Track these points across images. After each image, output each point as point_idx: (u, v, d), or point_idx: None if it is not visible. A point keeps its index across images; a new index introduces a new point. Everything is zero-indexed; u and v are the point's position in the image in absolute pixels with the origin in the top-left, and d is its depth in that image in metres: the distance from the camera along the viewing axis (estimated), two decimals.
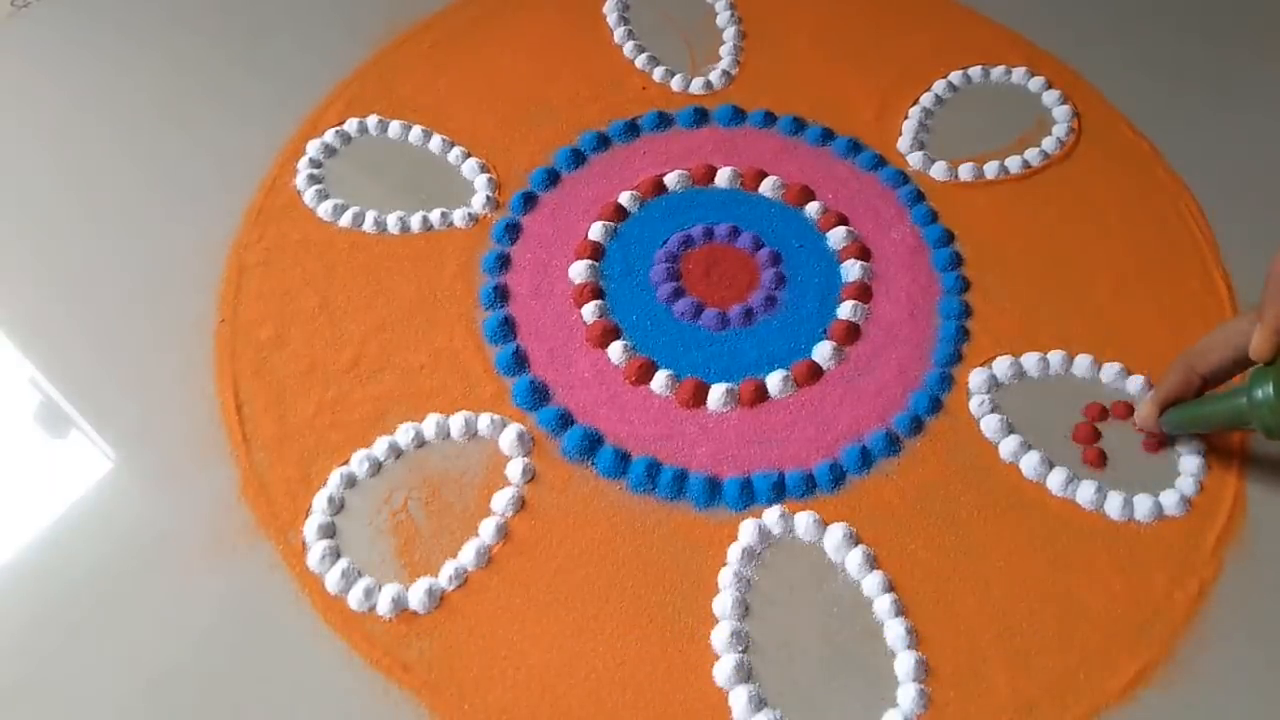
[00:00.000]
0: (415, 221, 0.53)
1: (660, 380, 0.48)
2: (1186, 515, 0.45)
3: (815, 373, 0.49)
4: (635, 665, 0.40)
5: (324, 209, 0.54)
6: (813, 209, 0.55)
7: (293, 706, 0.39)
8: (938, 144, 0.58)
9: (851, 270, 0.52)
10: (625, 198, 0.55)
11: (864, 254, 0.53)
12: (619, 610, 0.42)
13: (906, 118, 0.59)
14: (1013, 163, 0.57)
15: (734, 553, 0.43)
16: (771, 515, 0.44)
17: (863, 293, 0.52)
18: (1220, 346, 0.43)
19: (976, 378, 0.49)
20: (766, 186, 0.55)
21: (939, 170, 0.56)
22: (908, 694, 0.40)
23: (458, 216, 0.54)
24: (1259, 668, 0.41)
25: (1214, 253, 0.54)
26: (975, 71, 0.61)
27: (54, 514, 0.44)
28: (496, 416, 0.47)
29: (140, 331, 0.49)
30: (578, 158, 0.57)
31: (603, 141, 0.57)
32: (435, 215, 0.54)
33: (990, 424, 0.47)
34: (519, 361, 0.49)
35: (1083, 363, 0.49)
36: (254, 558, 0.43)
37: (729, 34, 0.63)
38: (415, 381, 0.48)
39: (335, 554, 0.43)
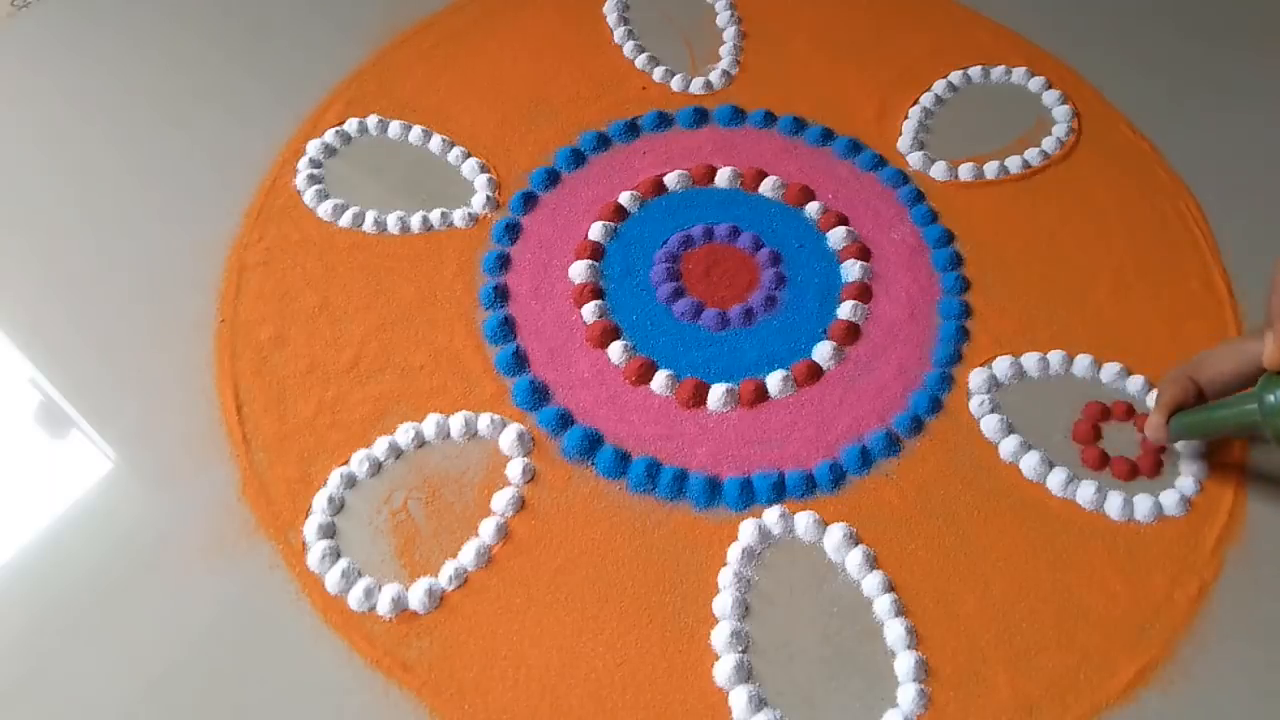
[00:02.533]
0: (415, 221, 0.53)
1: (660, 380, 0.48)
2: (1186, 515, 0.45)
3: (815, 373, 0.49)
4: (635, 665, 0.40)
5: (324, 209, 0.54)
6: (813, 209, 0.55)
7: (293, 706, 0.39)
8: (938, 144, 0.58)
9: (851, 270, 0.52)
10: (625, 198, 0.55)
11: (864, 254, 0.53)
12: (619, 610, 0.42)
13: (906, 118, 0.59)
14: (1013, 163, 0.57)
15: (734, 553, 0.43)
16: (771, 515, 0.44)
17: (863, 293, 0.52)
18: (1224, 359, 0.42)
19: (976, 378, 0.49)
20: (766, 186, 0.55)
21: (939, 170, 0.56)
22: (908, 694, 0.40)
23: (458, 216, 0.54)
24: (1259, 668, 0.41)
25: (1214, 253, 0.54)
26: (975, 71, 0.61)
27: (54, 514, 0.44)
28: (496, 416, 0.47)
29: (140, 331, 0.49)
30: (578, 158, 0.57)
31: (603, 141, 0.57)
32: (435, 215, 0.54)
33: (990, 424, 0.47)
34: (519, 361, 0.49)
35: (1083, 363, 0.49)
36: (254, 558, 0.43)
37: (729, 34, 0.63)
38: (415, 381, 0.48)
39: (335, 554, 0.43)
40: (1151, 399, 0.48)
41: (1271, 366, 0.39)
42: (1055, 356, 0.49)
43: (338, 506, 0.44)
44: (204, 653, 0.40)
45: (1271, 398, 0.39)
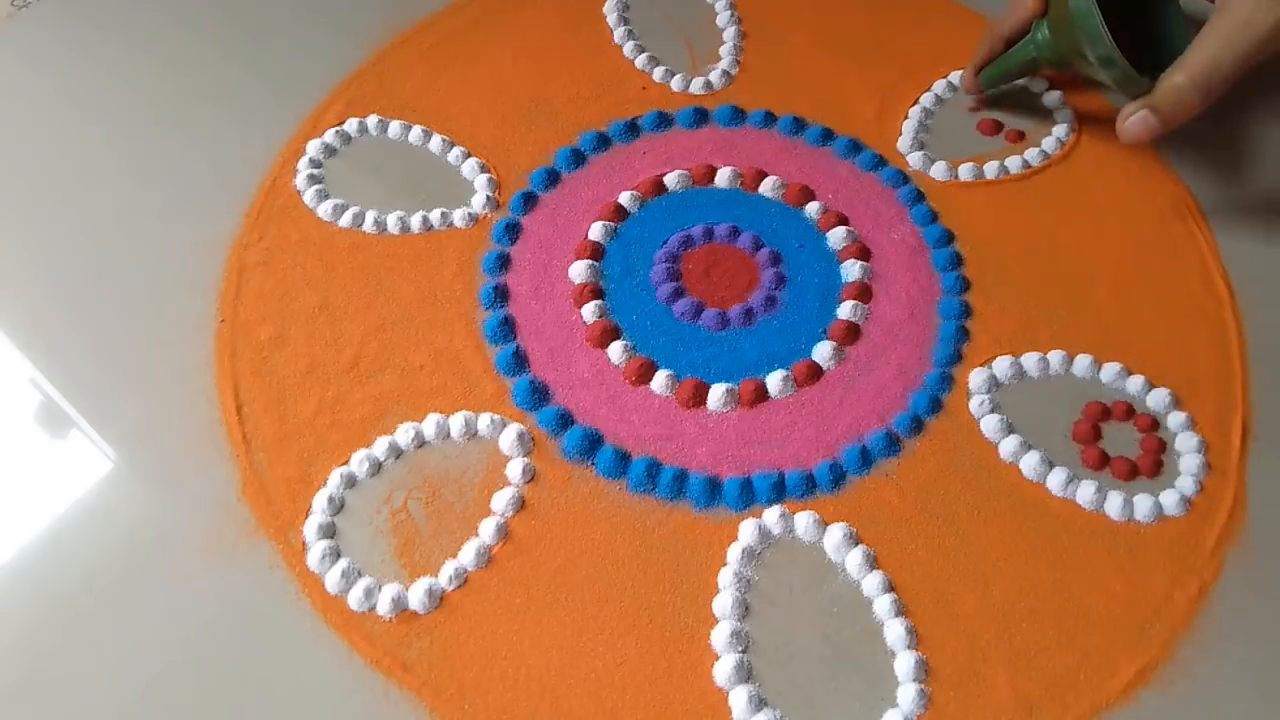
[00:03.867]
0: (415, 221, 0.53)
1: (660, 380, 0.48)
2: (1186, 515, 0.45)
3: (815, 373, 0.49)
4: (635, 665, 0.40)
5: (324, 209, 0.54)
6: (813, 209, 0.55)
7: (293, 706, 0.39)
8: (938, 144, 0.58)
9: (851, 270, 0.52)
10: (625, 198, 0.55)
11: (864, 254, 0.53)
12: (619, 610, 0.42)
13: (906, 118, 0.59)
14: (1013, 163, 0.57)
15: (734, 553, 0.43)
16: (771, 515, 0.44)
17: (863, 293, 0.52)
18: (1014, 12, 0.56)
19: (976, 378, 0.49)
20: (766, 186, 0.55)
21: (939, 170, 0.57)
22: (908, 694, 0.40)
23: (458, 216, 0.54)
24: (1259, 668, 0.41)
25: (1214, 253, 0.54)
26: None
27: (54, 514, 0.44)
28: (496, 416, 0.47)
29: (140, 332, 0.49)
30: (578, 158, 0.57)
31: (603, 141, 0.57)
32: (435, 215, 0.54)
33: (990, 424, 0.47)
34: (519, 361, 0.49)
35: (1083, 363, 0.49)
36: (254, 558, 0.43)
37: (729, 34, 0.63)
38: (415, 381, 0.48)
39: (335, 554, 0.43)
40: (1152, 400, 0.48)
41: (1034, 13, 0.54)
42: (1055, 356, 0.49)
43: (338, 506, 0.44)
44: (203, 652, 0.40)
45: (1040, 35, 0.53)
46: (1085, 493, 0.45)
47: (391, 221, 0.53)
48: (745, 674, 0.40)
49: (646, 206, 0.55)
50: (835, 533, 0.44)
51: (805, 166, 0.57)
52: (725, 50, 0.62)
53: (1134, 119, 0.50)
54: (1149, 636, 0.41)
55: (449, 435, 0.46)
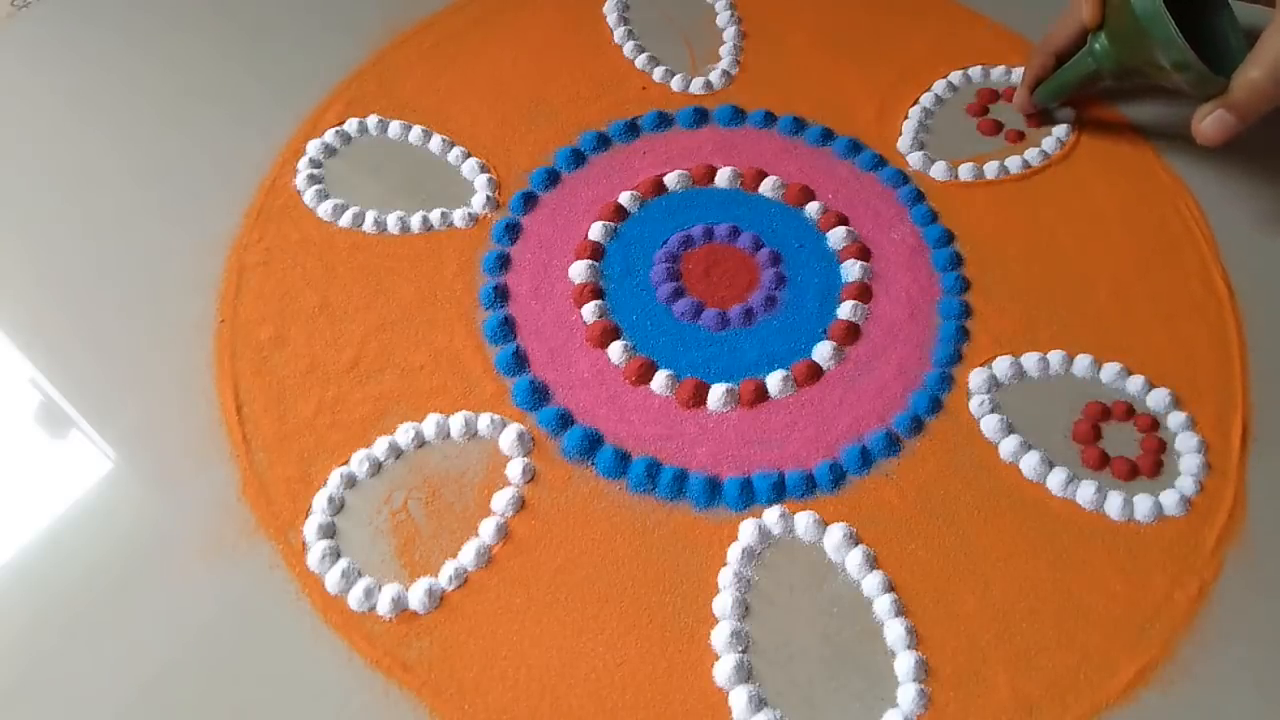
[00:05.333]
0: (415, 221, 0.53)
1: (660, 380, 0.48)
2: (1186, 515, 0.45)
3: (815, 373, 0.49)
4: (635, 665, 0.40)
5: (324, 209, 0.54)
6: (813, 209, 0.55)
7: (293, 706, 0.39)
8: (938, 144, 0.58)
9: (851, 270, 0.52)
10: (625, 198, 0.55)
11: (864, 254, 0.53)
12: (619, 610, 0.42)
13: (906, 118, 0.59)
14: (1013, 163, 0.57)
15: (734, 553, 0.43)
16: (771, 515, 0.44)
17: (863, 293, 0.52)
18: (1063, 29, 0.55)
19: (976, 378, 0.49)
20: (766, 186, 0.56)
21: (939, 170, 0.57)
22: (908, 694, 0.40)
23: (458, 216, 0.54)
24: (1259, 668, 0.41)
25: (1214, 253, 0.54)
26: (975, 71, 0.61)
27: (54, 514, 0.44)
28: (496, 416, 0.47)
29: (140, 332, 0.49)
30: (578, 158, 0.57)
31: (603, 141, 0.57)
32: (435, 215, 0.54)
33: (990, 424, 0.47)
34: (519, 361, 0.49)
35: (1083, 363, 0.49)
36: (254, 558, 0.43)
37: (729, 34, 0.63)
38: (415, 381, 0.48)
39: (335, 554, 0.43)
40: (1152, 400, 0.48)
41: (1090, 25, 0.53)
42: (1055, 356, 0.49)
43: (338, 506, 0.44)
44: (203, 652, 0.40)
45: (1098, 45, 0.53)
46: (1085, 493, 0.45)
47: (391, 221, 0.53)
48: (745, 674, 0.40)
49: (646, 206, 0.55)
50: (835, 533, 0.44)
51: (805, 166, 0.57)
52: (725, 50, 0.62)
53: (1210, 119, 0.50)
54: (1149, 636, 0.41)
55: (449, 435, 0.46)
